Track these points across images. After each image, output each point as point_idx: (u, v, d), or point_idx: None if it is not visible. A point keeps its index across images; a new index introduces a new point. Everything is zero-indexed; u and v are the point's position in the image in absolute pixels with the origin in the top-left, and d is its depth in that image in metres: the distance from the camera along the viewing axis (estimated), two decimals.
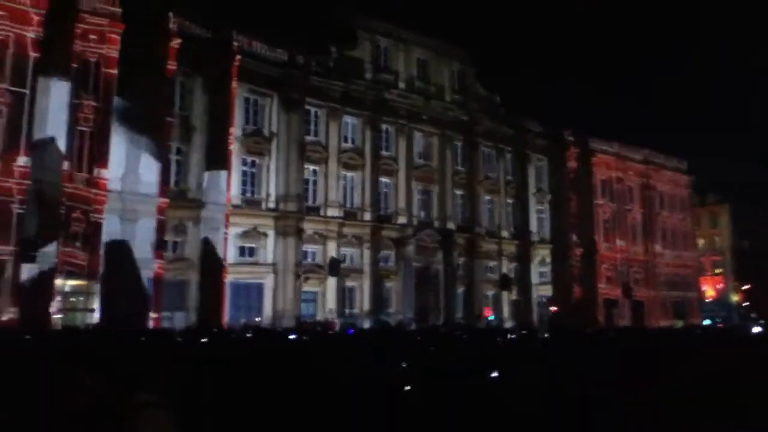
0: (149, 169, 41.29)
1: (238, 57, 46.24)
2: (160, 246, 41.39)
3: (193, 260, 43.47)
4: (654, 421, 5.88)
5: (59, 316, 37.00)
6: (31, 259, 35.58)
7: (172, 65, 42.60)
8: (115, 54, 39.52)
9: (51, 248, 36.36)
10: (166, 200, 42.09)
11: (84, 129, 38.95)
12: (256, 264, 47.51)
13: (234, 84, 46.01)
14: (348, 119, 53.96)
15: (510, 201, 64.45)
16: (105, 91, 39.52)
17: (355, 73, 54.08)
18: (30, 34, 36.74)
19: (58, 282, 37.21)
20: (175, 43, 42.58)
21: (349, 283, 51.64)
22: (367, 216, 53.64)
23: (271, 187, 48.89)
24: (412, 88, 58.13)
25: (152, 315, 40.35)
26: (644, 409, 6.00)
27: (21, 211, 36.06)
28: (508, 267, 62.42)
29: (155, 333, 27.29)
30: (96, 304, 38.08)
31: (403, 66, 58.07)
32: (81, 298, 38.92)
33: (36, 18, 36.92)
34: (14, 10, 36.59)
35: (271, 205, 48.76)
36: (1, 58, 36.35)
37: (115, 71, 39.53)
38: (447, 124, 59.75)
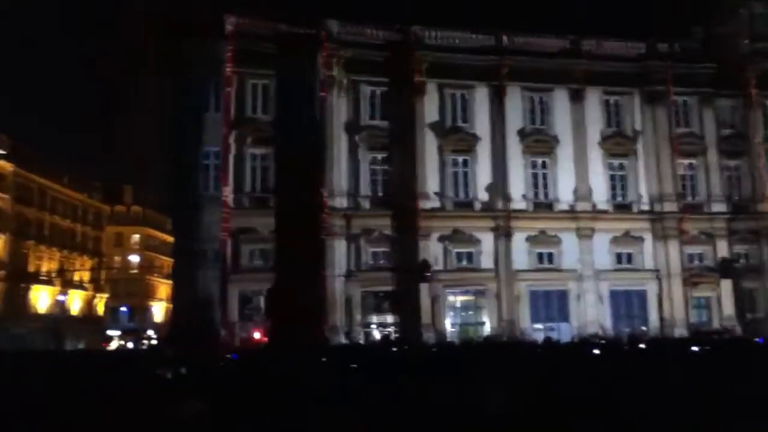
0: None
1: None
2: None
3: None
4: None
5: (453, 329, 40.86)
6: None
7: None
8: None
9: None
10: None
11: None
12: (635, 270, 45.20)
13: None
14: (723, 102, 48.17)
15: None
16: None
17: (727, 51, 48.01)
18: None
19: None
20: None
21: (748, 285, 45.54)
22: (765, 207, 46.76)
23: (641, 188, 46.21)
24: None
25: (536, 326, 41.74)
26: None
27: None
28: None
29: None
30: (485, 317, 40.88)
31: None
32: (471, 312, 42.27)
33: None
34: None
35: (645, 207, 46.01)
36: None
37: None
38: None
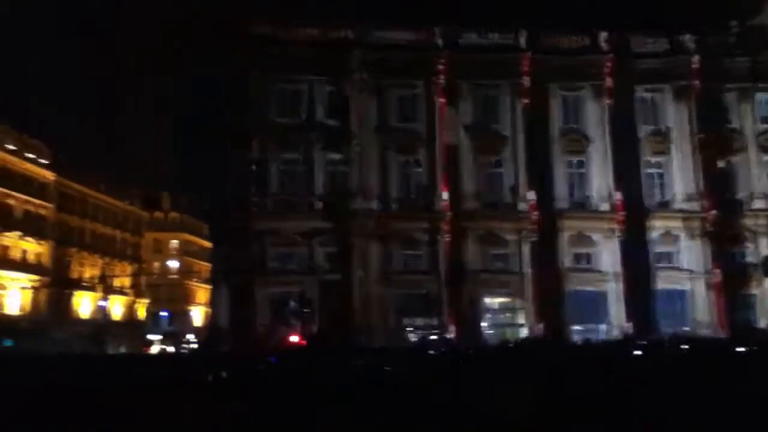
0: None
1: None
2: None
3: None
4: None
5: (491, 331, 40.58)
6: None
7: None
8: None
9: None
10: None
11: None
12: (674, 269, 44.27)
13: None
14: (762, 96, 46.90)
15: None
16: None
17: (762, 44, 46.69)
18: None
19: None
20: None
21: None
22: None
23: (678, 186, 45.21)
24: None
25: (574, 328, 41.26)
26: None
27: None
28: None
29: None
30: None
31: None
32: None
33: None
34: None
35: (683, 206, 44.99)
36: None
37: None
38: None
